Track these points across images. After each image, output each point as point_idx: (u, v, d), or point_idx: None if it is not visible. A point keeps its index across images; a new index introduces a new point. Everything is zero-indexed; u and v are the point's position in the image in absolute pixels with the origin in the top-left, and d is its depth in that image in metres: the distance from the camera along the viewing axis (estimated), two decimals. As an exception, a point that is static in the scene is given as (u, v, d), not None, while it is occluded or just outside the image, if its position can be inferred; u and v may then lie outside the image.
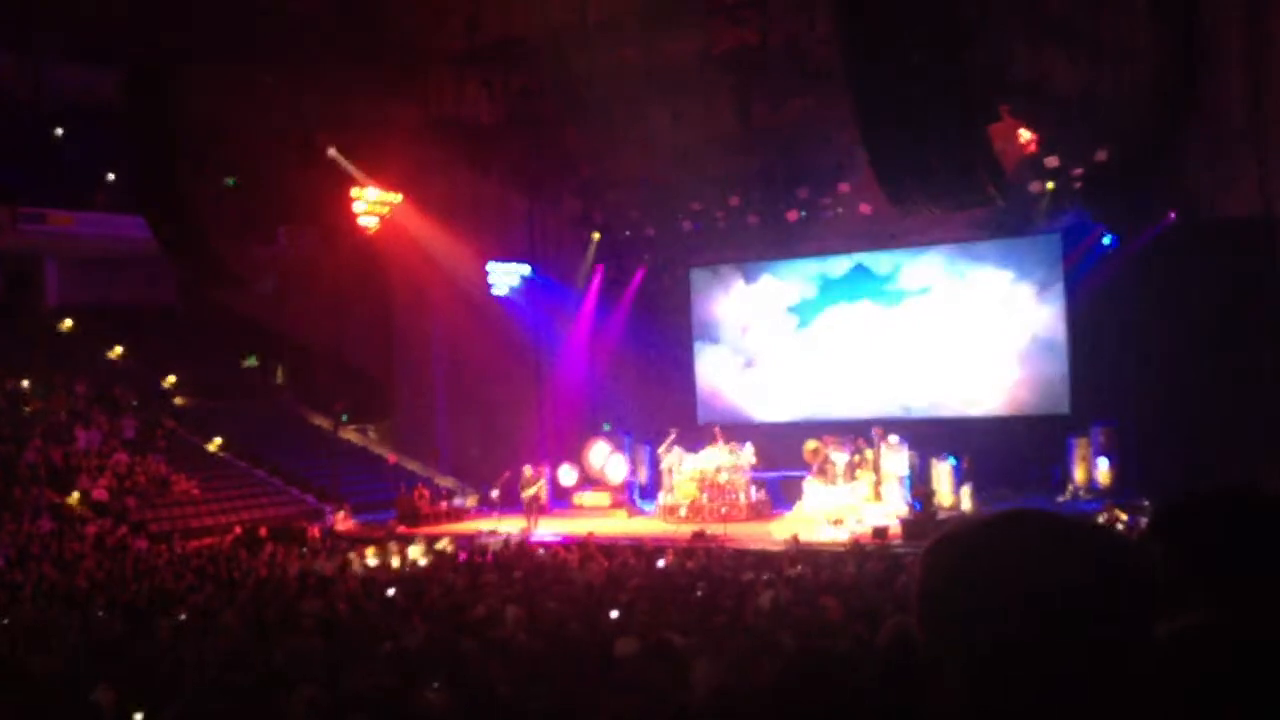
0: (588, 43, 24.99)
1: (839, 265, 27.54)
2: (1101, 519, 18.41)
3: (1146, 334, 22.56)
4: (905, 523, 21.09)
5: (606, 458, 27.69)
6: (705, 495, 24.87)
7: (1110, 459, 23.48)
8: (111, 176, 32.98)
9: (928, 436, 24.01)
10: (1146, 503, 19.81)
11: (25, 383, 29.67)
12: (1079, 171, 22.54)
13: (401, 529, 25.30)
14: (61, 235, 32.27)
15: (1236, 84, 22.21)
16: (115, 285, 34.87)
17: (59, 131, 33.37)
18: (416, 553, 20.09)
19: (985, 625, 1.45)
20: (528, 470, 25.59)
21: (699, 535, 22.08)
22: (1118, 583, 1.46)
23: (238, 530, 24.77)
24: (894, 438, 23.83)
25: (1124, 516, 19.00)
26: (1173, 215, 23.20)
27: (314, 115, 26.60)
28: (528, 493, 25.17)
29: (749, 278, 28.86)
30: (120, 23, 23.13)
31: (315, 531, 25.19)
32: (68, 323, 34.30)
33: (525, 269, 30.15)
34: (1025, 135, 22.71)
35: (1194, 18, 19.39)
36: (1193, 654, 1.84)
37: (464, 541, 22.34)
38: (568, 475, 28.07)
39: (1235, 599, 2.04)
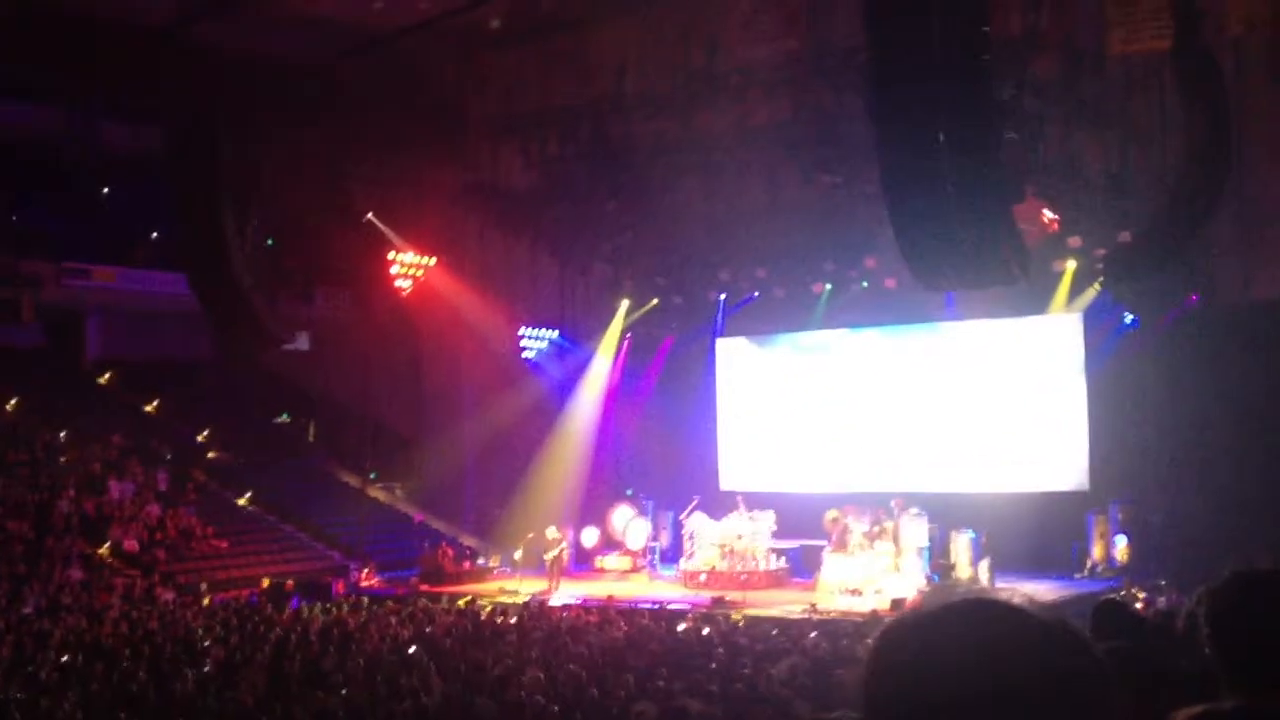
0: (624, 113, 25.53)
1: (863, 339, 27.75)
2: (1120, 595, 18.47)
3: (1166, 414, 22.63)
4: (923, 594, 21.19)
5: (629, 522, 27.87)
6: (726, 562, 25.02)
7: (1128, 536, 23.53)
8: (155, 234, 33.66)
9: (948, 509, 24.07)
10: (1163, 582, 19.86)
11: (62, 434, 30.16)
12: (1102, 252, 22.74)
13: (425, 587, 25.52)
14: (104, 290, 32.79)
15: (1265, 170, 22.46)
16: (155, 340, 35.38)
17: (105, 189, 34.08)
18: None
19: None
20: (551, 532, 25.78)
21: (718, 601, 22.21)
22: (1078, 682, 1.40)
23: (264, 584, 25.04)
24: (914, 509, 23.95)
25: (1141, 595, 19.06)
26: (1195, 298, 23.39)
27: (353, 178, 27.21)
28: (550, 554, 25.32)
29: (774, 348, 29.07)
30: (168, 83, 23.80)
31: (340, 587, 25.47)
32: (106, 376, 34.84)
33: (554, 334, 30.55)
34: (1049, 214, 23.00)
35: (1224, 104, 19.63)
36: None
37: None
38: (590, 538, 28.26)
39: (1266, 685, 2.01)
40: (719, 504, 26.44)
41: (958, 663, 1.39)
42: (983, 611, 1.45)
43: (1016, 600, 1.48)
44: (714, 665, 13.75)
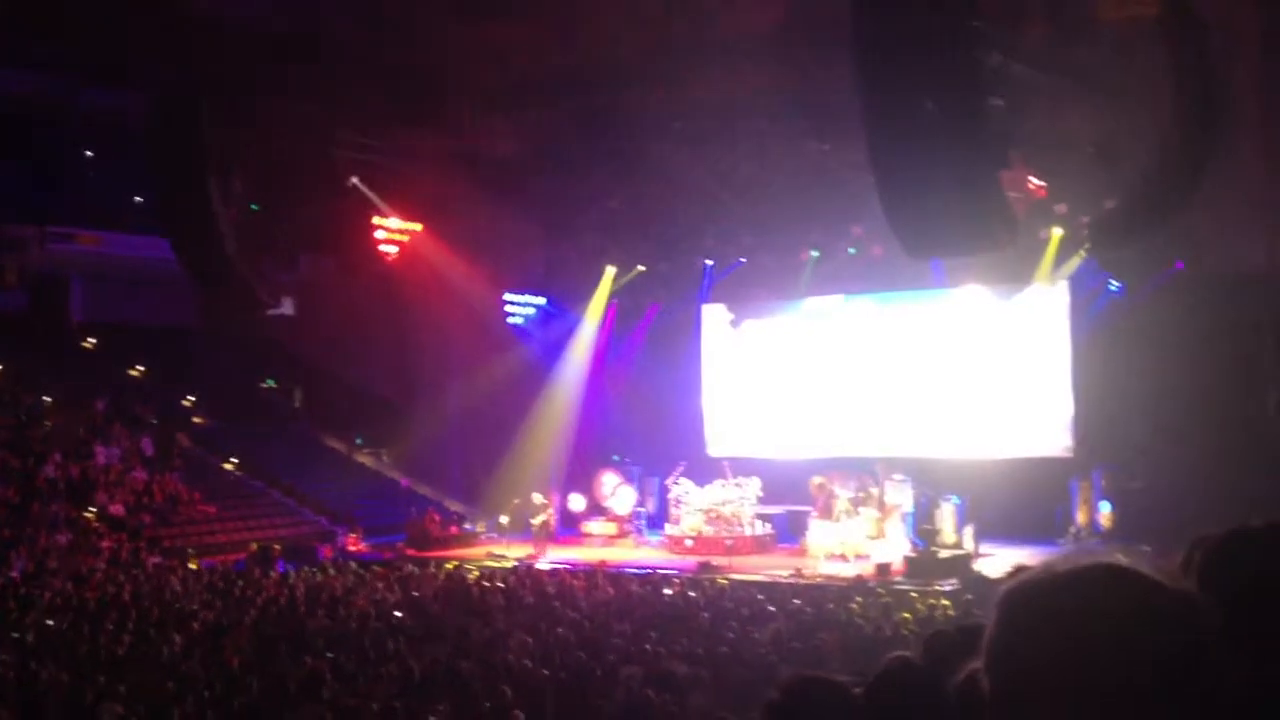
0: (610, 81, 25.38)
1: (850, 306, 27.80)
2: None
3: (1150, 380, 22.69)
4: (908, 560, 21.34)
5: (615, 488, 27.96)
6: (712, 527, 25.15)
7: (1112, 503, 23.69)
8: (139, 199, 33.45)
9: (932, 476, 24.22)
10: (1147, 548, 19.96)
11: (46, 398, 30.06)
12: (1087, 219, 22.75)
13: (411, 552, 25.58)
14: (89, 255, 32.62)
15: (1251, 141, 22.45)
16: (139, 305, 35.23)
17: (89, 153, 33.85)
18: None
19: (1065, 685, 1.38)
20: (537, 498, 25.86)
21: (704, 566, 22.33)
22: (1203, 652, 1.40)
23: (252, 548, 25.07)
24: (898, 476, 24.07)
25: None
26: (1180, 265, 23.46)
27: (338, 143, 27.05)
28: (536, 520, 25.43)
29: (760, 315, 29.11)
30: (151, 47, 23.59)
31: (327, 552, 25.52)
32: (91, 340, 34.71)
33: (541, 300, 30.52)
34: (1036, 181, 23.01)
35: (1213, 73, 19.58)
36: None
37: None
38: (577, 504, 28.33)
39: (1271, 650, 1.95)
40: (705, 470, 26.55)
41: (1095, 630, 1.38)
42: (1109, 577, 1.43)
43: (1144, 568, 1.44)
44: (700, 629, 13.87)
